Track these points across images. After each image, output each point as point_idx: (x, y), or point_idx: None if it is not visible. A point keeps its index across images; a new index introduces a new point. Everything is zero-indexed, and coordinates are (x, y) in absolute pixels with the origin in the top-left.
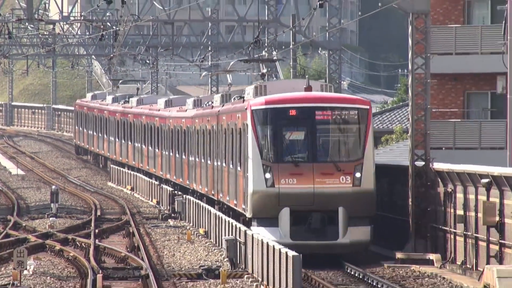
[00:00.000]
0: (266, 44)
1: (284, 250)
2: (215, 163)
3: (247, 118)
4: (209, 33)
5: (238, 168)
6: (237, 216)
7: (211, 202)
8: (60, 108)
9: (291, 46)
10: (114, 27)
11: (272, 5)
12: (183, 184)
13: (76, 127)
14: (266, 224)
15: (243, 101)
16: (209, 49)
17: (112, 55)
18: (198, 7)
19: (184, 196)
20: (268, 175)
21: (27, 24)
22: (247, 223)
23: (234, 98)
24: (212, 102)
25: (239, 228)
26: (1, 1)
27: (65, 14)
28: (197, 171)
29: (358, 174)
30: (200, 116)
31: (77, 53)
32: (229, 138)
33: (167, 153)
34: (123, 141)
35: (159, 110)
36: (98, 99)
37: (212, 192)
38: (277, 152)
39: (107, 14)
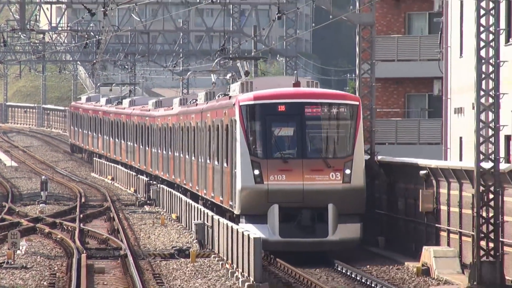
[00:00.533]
0: (230, 52)
1: (246, 232)
2: (199, 160)
3: (235, 114)
4: (181, 42)
5: (225, 165)
6: (222, 212)
7: (195, 197)
8: (49, 108)
9: (252, 54)
10: (96, 36)
11: (236, 17)
12: (169, 180)
13: (71, 127)
14: (255, 221)
15: (229, 97)
16: (181, 56)
17: (95, 61)
18: (171, 18)
19: (158, 185)
20: (256, 171)
21: (20, 33)
22: (235, 220)
23: (219, 96)
24: (196, 100)
25: (207, 213)
26: None
27: (53, 24)
28: (181, 167)
29: (348, 171)
30: (184, 113)
31: (64, 59)
32: (214, 135)
33: (155, 150)
34: (116, 140)
35: (149, 110)
36: (92, 101)
37: (197, 188)
38: (266, 148)
39: (91, 24)
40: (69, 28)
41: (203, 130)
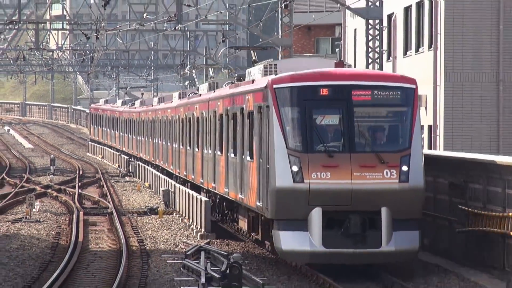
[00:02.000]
0: (188, 65)
1: (199, 196)
2: (205, 151)
3: (267, 99)
4: (152, 58)
5: (248, 158)
6: (233, 207)
7: (196, 188)
8: (56, 106)
9: (204, 66)
10: (91, 54)
11: (192, 40)
12: (168, 169)
13: (91, 126)
14: (292, 227)
15: (253, 81)
16: (152, 68)
17: (89, 72)
18: (145, 41)
19: (136, 162)
20: (295, 168)
21: (35, 51)
22: (261, 223)
23: (227, 84)
24: (195, 93)
25: (171, 182)
26: (17, 38)
27: (59, 45)
28: (181, 158)
29: (405, 168)
30: (185, 105)
31: (67, 70)
32: (229, 124)
33: (156, 141)
34: (129, 136)
35: (152, 105)
36: (109, 103)
37: (201, 180)
38: (306, 139)
39: (87, 45)
40: (71, 47)
41: (210, 120)
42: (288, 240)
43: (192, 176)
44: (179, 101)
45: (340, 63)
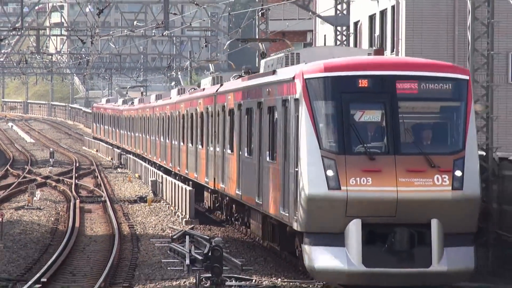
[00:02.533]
0: (174, 67)
1: (184, 186)
2: (210, 149)
3: (296, 91)
4: (141, 61)
5: (268, 159)
6: (243, 209)
7: (199, 187)
8: (55, 104)
9: (189, 69)
10: (86, 57)
11: (178, 45)
12: (166, 167)
13: (94, 124)
14: (326, 242)
15: (273, 72)
16: (141, 70)
17: (85, 74)
18: (135, 46)
19: (126, 155)
20: (330, 173)
21: (36, 55)
22: (289, 235)
23: (235, 77)
24: (195, 89)
25: (158, 173)
26: (19, 43)
27: (58, 49)
28: (182, 155)
29: (459, 173)
30: (187, 100)
31: (65, 72)
32: (241, 120)
33: (154, 138)
34: (128, 133)
35: (150, 102)
36: (111, 102)
37: (206, 180)
38: (343, 139)
39: (82, 49)
40: (68, 52)
41: (218, 115)
42: (322, 257)
43: (195, 175)
44: (179, 97)
45: (380, 51)
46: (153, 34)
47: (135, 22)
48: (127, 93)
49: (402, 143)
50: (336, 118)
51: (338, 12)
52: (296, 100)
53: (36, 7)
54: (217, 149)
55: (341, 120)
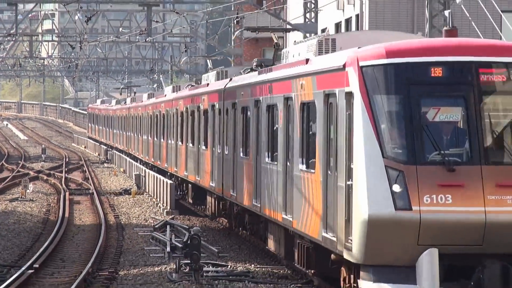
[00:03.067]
0: (156, 70)
1: (165, 180)
2: (217, 151)
3: (348, 83)
4: (126, 65)
5: (302, 167)
6: (259, 221)
7: (201, 190)
8: (46, 104)
9: (170, 72)
10: (75, 61)
11: (159, 50)
12: (160, 167)
13: (89, 124)
14: (393, 277)
15: (306, 61)
16: (126, 73)
17: (74, 76)
18: (120, 50)
19: (112, 150)
20: (397, 188)
21: (29, 59)
22: (334, 264)
23: (243, 72)
24: (193, 85)
25: (141, 168)
26: (14, 48)
27: (49, 54)
28: (180, 156)
29: None
30: (187, 97)
31: (56, 75)
32: (261, 119)
33: (145, 137)
34: (120, 132)
35: (142, 101)
36: (106, 103)
37: (211, 184)
38: (413, 144)
39: (72, 54)
40: (59, 56)
41: (227, 113)
42: None
43: (196, 178)
44: (176, 94)
45: (453, 32)
46: (137, 40)
47: (120, 29)
48: (120, 94)
49: (490, 149)
50: (403, 117)
51: (307, 20)
52: (348, 94)
53: (30, 15)
54: (226, 152)
55: (410, 120)
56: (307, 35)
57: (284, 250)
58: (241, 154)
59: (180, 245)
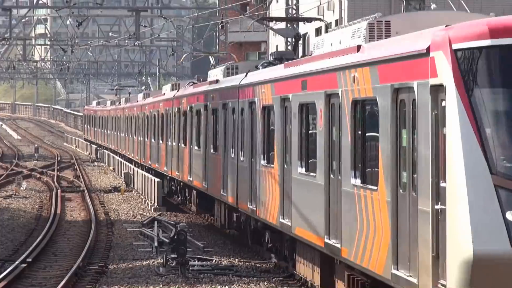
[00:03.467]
0: (144, 73)
1: (153, 178)
2: (231, 155)
3: (436, 72)
4: (116, 68)
5: (355, 181)
6: (284, 239)
7: (208, 197)
8: (39, 105)
9: (157, 74)
10: (67, 64)
11: (147, 53)
12: (159, 170)
13: (85, 126)
14: None
15: (358, 48)
16: (115, 76)
17: (66, 78)
18: (110, 54)
19: (102, 150)
20: None
21: (23, 62)
22: None
23: (260, 66)
24: (200, 81)
25: (130, 166)
26: (8, 52)
27: (42, 57)
28: (183, 159)
29: None
30: (191, 95)
31: (48, 77)
32: (289, 121)
33: (141, 138)
34: (114, 132)
35: (137, 101)
36: (101, 105)
37: (222, 193)
38: None
39: (64, 57)
40: (51, 59)
41: (242, 113)
42: None
43: (203, 184)
44: (176, 92)
45: None
46: (126, 44)
47: (110, 33)
48: (116, 95)
49: None
50: None
51: (288, 25)
52: (435, 88)
53: (23, 20)
54: (242, 158)
55: None
56: (288, 39)
57: (320, 278)
58: (262, 162)
59: (167, 240)
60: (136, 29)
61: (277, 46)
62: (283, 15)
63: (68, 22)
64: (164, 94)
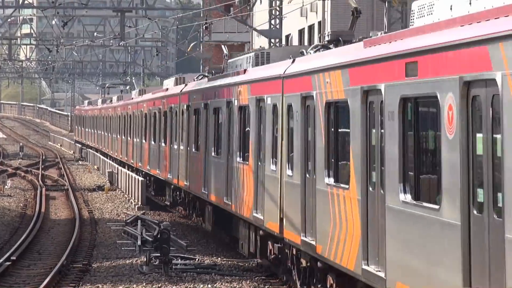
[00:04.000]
0: (129, 73)
1: (136, 176)
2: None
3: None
4: (100, 67)
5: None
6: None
7: (223, 212)
8: (24, 104)
9: (142, 74)
10: (52, 64)
11: (132, 54)
12: (159, 177)
13: (76, 126)
14: None
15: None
16: (100, 75)
17: (51, 78)
18: (95, 54)
19: (87, 149)
20: None
21: (8, 61)
22: None
23: (310, 51)
24: (205, 76)
25: (114, 165)
26: None
27: (28, 57)
28: (186, 163)
29: None
30: (200, 91)
31: (33, 77)
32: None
33: (137, 140)
34: (103, 133)
35: (132, 98)
36: (92, 104)
37: (257, 215)
38: None
39: (49, 57)
40: (36, 59)
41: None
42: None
43: (226, 200)
44: (183, 87)
45: None
46: (110, 44)
47: (95, 33)
48: (108, 93)
49: None
50: None
51: (272, 26)
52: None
53: (9, 20)
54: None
55: None
56: (272, 40)
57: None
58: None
59: (150, 239)
60: (121, 29)
61: (260, 46)
62: (266, 16)
63: (53, 22)
64: (167, 89)
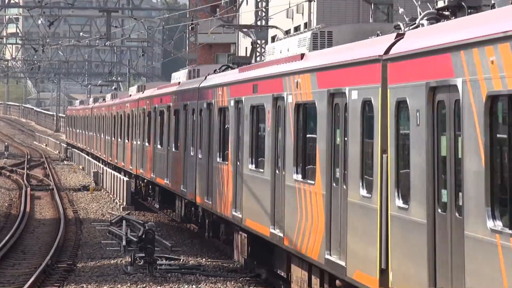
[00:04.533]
0: (115, 73)
1: (121, 177)
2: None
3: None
4: (86, 67)
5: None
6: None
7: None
8: (10, 104)
9: (127, 74)
10: (38, 64)
11: (118, 54)
12: (165, 186)
13: (68, 128)
14: None
15: None
16: (86, 75)
17: (37, 78)
18: (81, 54)
19: (72, 149)
20: None
21: None
22: None
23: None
24: (225, 68)
25: (99, 165)
26: None
27: (13, 56)
28: (217, 176)
29: None
30: (236, 83)
31: (19, 76)
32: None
33: (136, 143)
34: (97, 135)
35: (130, 95)
36: (84, 104)
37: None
38: None
39: (35, 56)
40: (22, 58)
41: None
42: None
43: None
44: (202, 79)
45: None
46: (96, 44)
47: (81, 33)
48: (100, 92)
49: None
50: None
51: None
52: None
53: None
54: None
55: None
56: (258, 41)
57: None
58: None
59: (135, 239)
60: (107, 30)
61: (246, 48)
62: (252, 17)
63: (39, 22)
64: (179, 83)
